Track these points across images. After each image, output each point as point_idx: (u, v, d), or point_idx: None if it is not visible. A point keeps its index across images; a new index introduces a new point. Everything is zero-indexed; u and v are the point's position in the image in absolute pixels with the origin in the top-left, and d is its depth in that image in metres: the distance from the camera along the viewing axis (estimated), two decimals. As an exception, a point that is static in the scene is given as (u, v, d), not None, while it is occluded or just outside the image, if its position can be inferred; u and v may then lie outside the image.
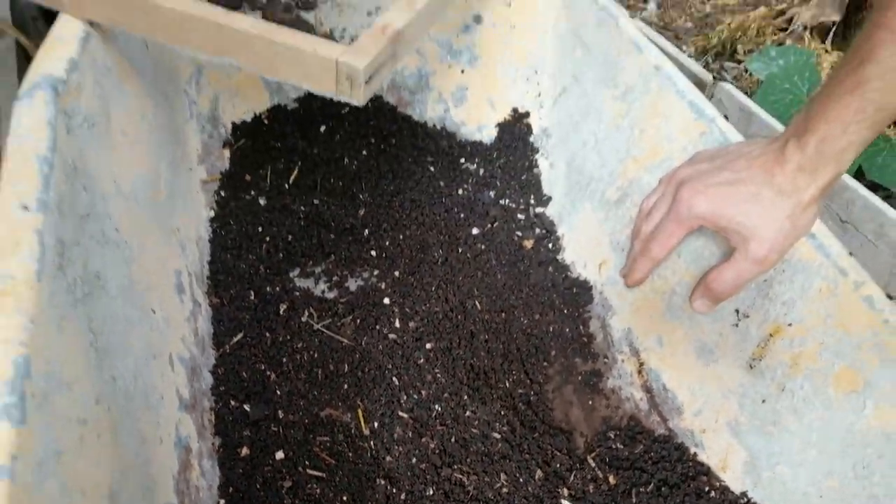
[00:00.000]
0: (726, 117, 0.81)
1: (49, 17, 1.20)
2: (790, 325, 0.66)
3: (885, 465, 0.58)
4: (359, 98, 0.59)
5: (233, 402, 0.67)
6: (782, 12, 1.96)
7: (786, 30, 1.92)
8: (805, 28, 1.86)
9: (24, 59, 1.20)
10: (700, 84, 1.53)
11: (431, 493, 0.63)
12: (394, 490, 0.63)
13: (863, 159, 1.37)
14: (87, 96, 0.60)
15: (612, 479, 0.68)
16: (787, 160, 0.58)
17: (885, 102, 0.53)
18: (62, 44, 0.60)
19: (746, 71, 1.82)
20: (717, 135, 0.76)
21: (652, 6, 2.16)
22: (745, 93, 1.81)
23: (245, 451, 0.64)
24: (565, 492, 0.66)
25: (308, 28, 0.64)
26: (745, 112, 1.41)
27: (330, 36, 0.64)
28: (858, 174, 1.38)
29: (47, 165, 0.49)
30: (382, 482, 0.63)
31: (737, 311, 0.71)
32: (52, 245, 0.46)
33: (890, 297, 0.62)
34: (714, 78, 1.91)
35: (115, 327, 0.54)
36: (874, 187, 1.45)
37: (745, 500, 0.66)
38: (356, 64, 0.56)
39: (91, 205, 0.57)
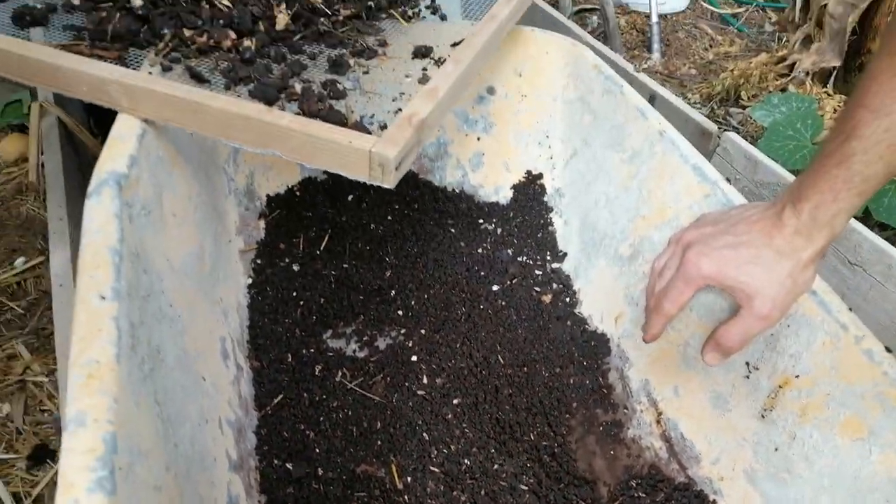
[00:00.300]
0: (728, 180, 0.86)
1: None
2: (797, 376, 0.70)
3: (893, 510, 0.61)
4: (390, 183, 0.65)
5: (276, 461, 0.72)
6: (783, 58, 2.02)
7: (788, 75, 1.98)
8: (807, 73, 1.92)
9: (66, 134, 1.29)
10: (706, 133, 1.59)
11: (465, 544, 0.68)
12: (429, 543, 0.67)
13: (871, 201, 1.41)
14: (144, 186, 0.67)
15: (635, 528, 0.72)
16: (785, 224, 0.63)
17: (870, 174, 0.59)
18: (122, 142, 0.67)
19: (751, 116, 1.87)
20: (720, 196, 0.82)
21: (656, 55, 2.24)
22: (751, 138, 1.87)
23: (290, 508, 0.69)
24: (591, 541, 0.70)
25: (340, 117, 0.71)
26: (750, 160, 1.46)
27: (360, 123, 0.71)
28: (866, 214, 1.41)
29: (118, 256, 0.56)
30: (418, 535, 0.68)
31: (747, 364, 0.75)
32: (126, 329, 0.52)
33: (888, 349, 0.66)
34: (719, 125, 1.98)
35: (175, 396, 0.60)
36: (883, 227, 1.49)
37: (763, 545, 0.70)
38: (387, 153, 0.63)
39: (150, 285, 0.63)
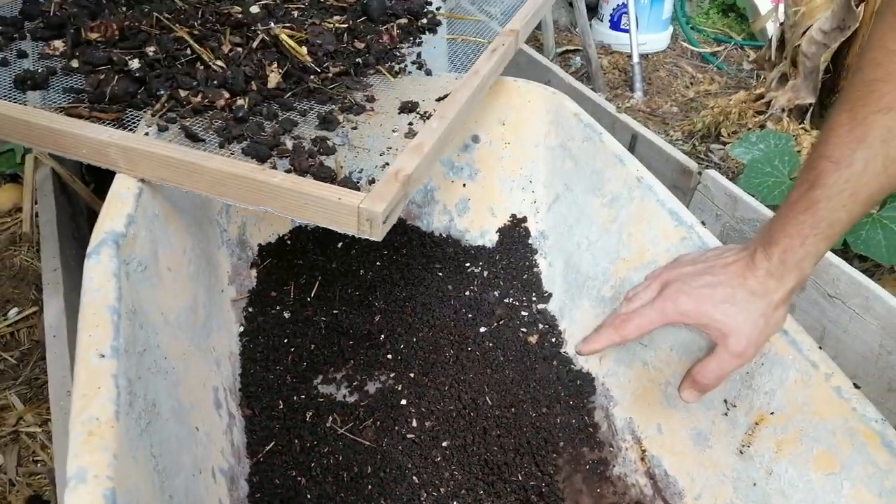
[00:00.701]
0: (703, 223, 0.90)
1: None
2: (772, 413, 0.73)
3: (866, 544, 0.63)
4: (378, 236, 0.68)
5: (270, 509, 0.74)
6: (761, 96, 2.08)
7: (765, 112, 2.04)
8: (783, 110, 1.99)
9: (59, 184, 1.32)
10: (686, 171, 1.63)
11: (454, 587, 0.69)
12: (420, 587, 0.69)
13: (848, 234, 1.45)
14: (140, 244, 0.70)
15: (621, 566, 0.74)
16: (757, 267, 0.67)
17: (834, 219, 0.62)
18: (121, 201, 0.70)
19: (730, 153, 1.92)
20: (696, 240, 0.85)
21: (639, 94, 2.30)
22: (732, 173, 1.92)
23: (283, 555, 0.71)
24: (578, 580, 0.72)
25: (330, 173, 0.74)
26: (731, 196, 1.51)
27: (349, 178, 0.74)
28: (845, 247, 1.45)
29: (116, 315, 0.58)
30: (409, 580, 0.69)
31: (725, 401, 0.78)
32: (125, 385, 0.54)
33: (857, 385, 0.69)
34: (701, 161, 2.03)
35: (170, 448, 0.62)
36: (863, 258, 1.53)
37: (746, 581, 0.72)
38: (375, 209, 0.66)
39: (146, 340, 0.65)
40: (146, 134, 0.75)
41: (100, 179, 1.37)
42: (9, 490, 0.91)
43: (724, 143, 2.03)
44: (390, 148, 0.82)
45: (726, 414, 0.77)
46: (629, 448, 0.87)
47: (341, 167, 0.78)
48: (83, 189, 1.30)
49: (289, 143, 0.80)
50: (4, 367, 1.07)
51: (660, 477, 0.83)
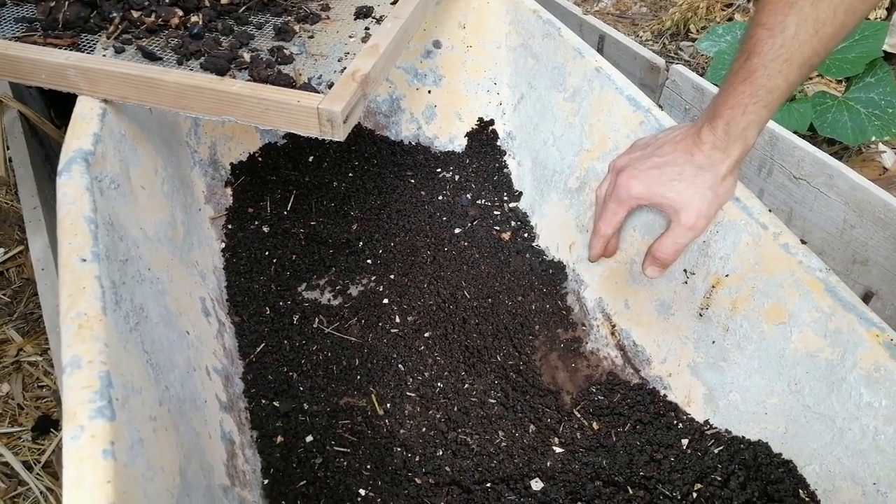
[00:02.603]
0: (660, 106, 0.92)
1: (41, 87, 1.32)
2: (727, 275, 0.77)
3: (812, 380, 0.69)
4: (340, 135, 0.71)
5: (263, 401, 0.79)
6: (728, -11, 2.06)
7: (732, 5, 2.03)
8: (749, 0, 1.97)
9: (29, 127, 1.32)
10: (654, 68, 1.64)
11: (441, 453, 0.75)
12: (409, 455, 0.75)
13: (814, 117, 1.48)
14: (110, 162, 0.72)
15: (595, 426, 0.80)
16: (703, 141, 0.70)
17: (772, 86, 0.65)
18: (85, 121, 0.71)
19: (700, 50, 1.92)
20: (653, 122, 0.88)
21: (607, -3, 2.27)
22: (701, 69, 1.93)
23: (280, 438, 0.76)
24: (556, 440, 0.78)
25: (289, 81, 0.75)
26: (697, 89, 1.52)
27: (308, 85, 0.76)
28: (812, 131, 1.48)
29: (93, 224, 0.61)
30: (399, 449, 0.75)
31: (685, 271, 0.83)
32: (109, 287, 0.58)
33: (803, 241, 0.73)
34: (670, 59, 2.03)
35: (162, 348, 0.66)
36: (832, 142, 1.57)
37: (708, 426, 0.78)
38: (334, 108, 0.68)
39: (127, 251, 0.68)
40: (104, 56, 0.76)
41: (69, 121, 1.36)
42: (18, 413, 0.96)
43: (693, 41, 2.02)
44: (348, 53, 0.83)
45: (686, 282, 0.82)
46: (600, 325, 0.92)
47: (300, 74, 0.79)
48: (53, 130, 1.30)
49: (246, 56, 0.81)
50: (-1, 304, 1.10)
51: (629, 347, 0.89)
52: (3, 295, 1.11)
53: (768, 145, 1.20)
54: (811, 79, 1.80)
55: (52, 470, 0.90)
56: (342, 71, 0.80)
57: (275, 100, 0.70)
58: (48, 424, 0.94)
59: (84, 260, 0.57)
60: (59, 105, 1.38)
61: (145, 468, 0.49)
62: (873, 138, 1.37)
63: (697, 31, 2.02)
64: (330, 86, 0.78)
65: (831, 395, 0.67)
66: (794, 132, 1.19)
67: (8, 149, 1.35)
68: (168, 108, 0.74)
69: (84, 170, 0.66)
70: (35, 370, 1.01)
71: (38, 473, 0.90)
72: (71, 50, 0.78)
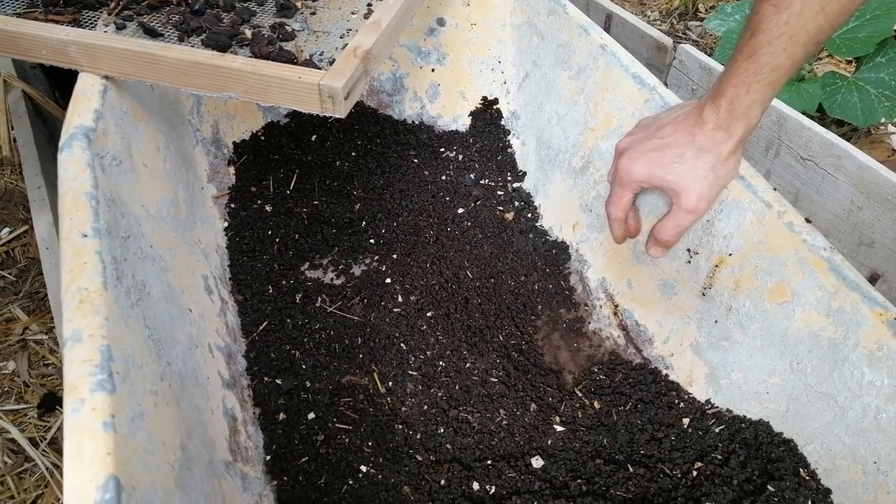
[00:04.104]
0: (666, 84, 0.91)
1: (43, 65, 1.32)
2: (731, 254, 0.77)
3: (814, 359, 0.68)
4: (341, 112, 0.70)
5: (266, 378, 0.79)
6: (738, -33, 2.02)
7: (742, -17, 1.99)
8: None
9: (33, 107, 1.32)
10: (661, 48, 1.62)
11: (442, 431, 0.75)
12: (410, 432, 0.75)
13: (823, 98, 1.46)
14: (112, 139, 0.72)
15: (596, 405, 0.80)
16: (705, 121, 0.69)
17: (777, 64, 0.64)
18: (86, 98, 0.71)
19: (708, 29, 1.90)
20: (658, 100, 0.87)
21: (616, -24, 2.23)
22: (710, 49, 1.90)
23: (282, 415, 0.76)
24: (557, 419, 0.78)
25: (290, 57, 0.75)
26: (705, 69, 1.50)
27: (310, 62, 0.75)
28: (821, 112, 1.46)
29: (94, 200, 0.61)
30: (400, 427, 0.75)
31: (689, 250, 0.82)
32: (110, 262, 0.58)
33: (808, 220, 0.73)
34: (678, 39, 2.01)
35: (163, 324, 0.66)
36: (840, 124, 1.55)
37: (709, 406, 0.78)
38: (335, 85, 0.68)
39: (129, 228, 0.68)
40: (105, 32, 0.75)
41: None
42: (24, 390, 0.97)
43: (702, 20, 2.00)
44: (350, 30, 0.82)
45: (689, 262, 0.82)
46: (603, 305, 0.92)
47: (301, 51, 0.79)
48: (57, 109, 1.30)
49: (248, 32, 0.80)
50: (4, 283, 1.11)
51: (631, 327, 0.88)
52: (9, 274, 1.12)
53: (776, 126, 1.19)
54: (820, 59, 1.78)
55: (58, 447, 0.91)
56: (344, 48, 0.80)
57: (276, 76, 0.70)
58: (53, 402, 0.95)
59: (85, 235, 0.57)
60: (63, 85, 1.38)
61: (146, 441, 0.49)
62: (883, 120, 1.35)
63: (706, 10, 2.00)
64: (332, 62, 0.77)
65: (833, 374, 0.67)
66: (803, 113, 1.17)
67: (12, 129, 1.35)
68: (169, 85, 0.73)
69: (85, 146, 0.66)
70: (41, 348, 1.02)
71: (43, 450, 0.91)
72: (72, 26, 0.78)
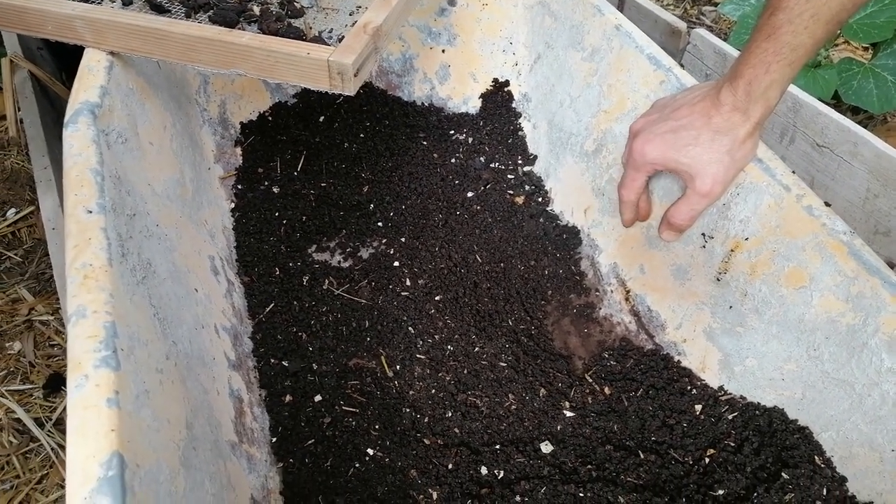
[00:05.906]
0: (682, 65, 0.89)
1: (50, 46, 1.30)
2: (747, 239, 0.75)
3: (832, 345, 0.67)
4: (350, 89, 0.69)
5: (272, 360, 0.79)
6: (754, -50, 1.99)
7: (758, -32, 1.96)
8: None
9: (39, 87, 1.31)
10: (675, 32, 1.60)
11: (450, 415, 0.74)
12: (418, 416, 0.74)
13: (839, 84, 1.43)
14: (118, 116, 0.70)
15: (607, 391, 0.79)
16: (723, 103, 0.67)
17: (797, 43, 0.62)
18: (92, 74, 0.70)
19: (723, 14, 1.87)
20: (674, 82, 0.85)
21: (628, -40, 2.20)
22: (724, 35, 1.88)
23: (288, 398, 0.76)
24: (567, 405, 0.77)
25: (299, 34, 0.73)
26: (720, 54, 1.48)
27: (319, 38, 0.74)
28: (836, 99, 1.44)
29: (99, 176, 0.60)
30: (408, 410, 0.74)
31: (703, 235, 0.80)
32: (115, 239, 0.57)
33: (827, 203, 0.71)
34: (692, 24, 1.98)
35: (169, 303, 0.65)
36: (856, 111, 1.52)
37: (722, 392, 0.76)
38: (345, 61, 0.66)
39: (134, 206, 0.67)
40: (111, 8, 0.74)
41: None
42: (30, 371, 0.96)
43: (716, 4, 1.97)
44: (359, 7, 0.81)
45: (704, 246, 0.80)
46: (614, 290, 0.91)
47: (310, 28, 0.77)
48: (63, 90, 1.28)
49: (256, 9, 0.79)
50: (10, 264, 1.10)
51: (643, 313, 0.87)
52: (15, 255, 1.11)
53: (791, 112, 1.16)
54: (836, 45, 1.75)
55: (63, 427, 0.90)
56: (354, 25, 0.78)
57: (284, 52, 0.68)
58: (59, 382, 0.94)
59: (90, 211, 0.56)
60: (69, 66, 1.37)
61: (151, 419, 0.48)
62: (900, 106, 1.32)
63: (720, -5, 1.96)
64: (341, 39, 0.76)
65: (851, 360, 0.65)
66: (819, 99, 1.15)
67: (19, 109, 1.34)
68: (176, 61, 0.72)
69: (91, 122, 0.65)
70: (46, 329, 1.01)
71: (49, 430, 0.90)
72: (78, 1, 0.77)
